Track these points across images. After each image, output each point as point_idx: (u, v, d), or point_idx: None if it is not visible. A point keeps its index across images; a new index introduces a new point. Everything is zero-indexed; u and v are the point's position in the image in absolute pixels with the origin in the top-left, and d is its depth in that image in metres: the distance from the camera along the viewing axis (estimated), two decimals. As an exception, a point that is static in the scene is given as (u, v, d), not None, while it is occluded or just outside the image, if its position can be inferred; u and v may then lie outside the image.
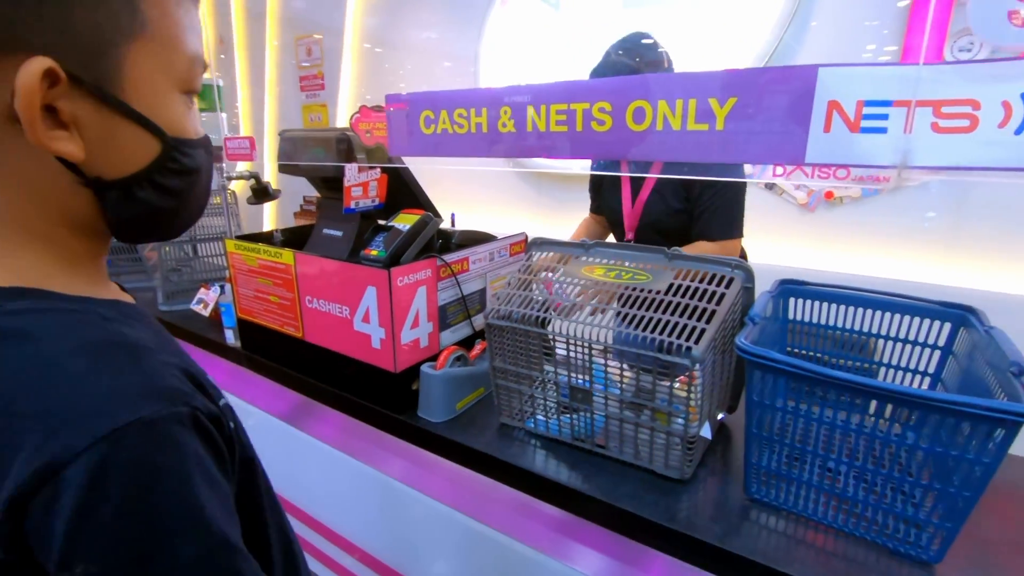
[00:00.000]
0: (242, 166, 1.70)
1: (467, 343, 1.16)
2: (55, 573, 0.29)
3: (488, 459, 0.96)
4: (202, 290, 1.62)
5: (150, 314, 0.48)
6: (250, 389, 1.55)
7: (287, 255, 1.14)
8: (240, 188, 2.12)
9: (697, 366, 0.74)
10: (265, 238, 1.35)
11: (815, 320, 0.99)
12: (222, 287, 1.53)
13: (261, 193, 1.40)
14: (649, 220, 1.43)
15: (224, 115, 1.51)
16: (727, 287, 0.85)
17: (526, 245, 1.35)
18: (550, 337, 0.89)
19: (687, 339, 0.76)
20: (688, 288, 0.85)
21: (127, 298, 0.46)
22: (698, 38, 1.87)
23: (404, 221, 1.06)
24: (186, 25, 0.40)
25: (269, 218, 3.55)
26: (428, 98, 0.83)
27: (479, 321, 1.22)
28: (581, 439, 0.93)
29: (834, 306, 0.97)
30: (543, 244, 1.04)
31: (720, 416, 0.98)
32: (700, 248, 1.35)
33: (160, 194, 0.40)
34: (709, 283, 0.86)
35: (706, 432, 0.83)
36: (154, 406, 0.32)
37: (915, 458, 0.71)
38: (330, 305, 1.09)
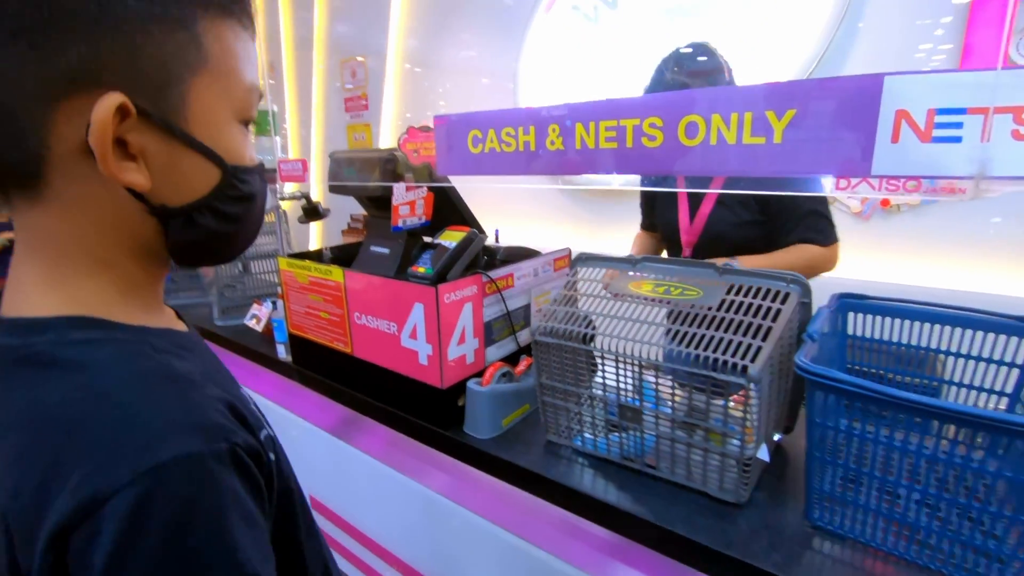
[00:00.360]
0: (291, 186, 1.77)
1: (512, 359, 1.16)
2: None
3: (534, 477, 0.95)
4: (255, 306, 1.69)
5: (201, 341, 0.49)
6: (300, 402, 1.60)
7: (336, 272, 1.18)
8: (289, 207, 2.21)
9: (753, 386, 0.72)
10: (315, 256, 1.39)
11: (876, 336, 0.94)
12: (274, 303, 1.59)
13: (311, 212, 1.45)
14: (712, 234, 1.37)
15: (278, 138, 1.58)
16: (783, 303, 0.82)
17: (570, 260, 1.35)
18: (598, 354, 0.88)
19: (742, 357, 0.73)
20: (742, 304, 0.82)
21: (180, 325, 0.48)
22: (742, 46, 1.84)
23: (450, 238, 1.08)
24: (243, 57, 0.41)
25: (316, 236, 3.66)
26: (475, 118, 0.85)
27: (524, 337, 1.22)
28: (630, 459, 0.91)
29: (896, 321, 0.92)
30: (588, 260, 1.04)
31: (777, 437, 0.94)
32: (809, 252, 1.26)
33: (220, 220, 0.42)
34: (763, 299, 0.83)
35: (763, 454, 0.80)
36: (195, 442, 0.33)
37: (994, 486, 0.67)
38: (378, 321, 1.12)
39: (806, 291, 0.85)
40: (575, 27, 2.47)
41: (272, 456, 0.42)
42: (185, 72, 0.37)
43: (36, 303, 0.37)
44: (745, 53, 1.81)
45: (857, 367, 0.97)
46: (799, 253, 1.27)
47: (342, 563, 1.59)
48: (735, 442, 0.77)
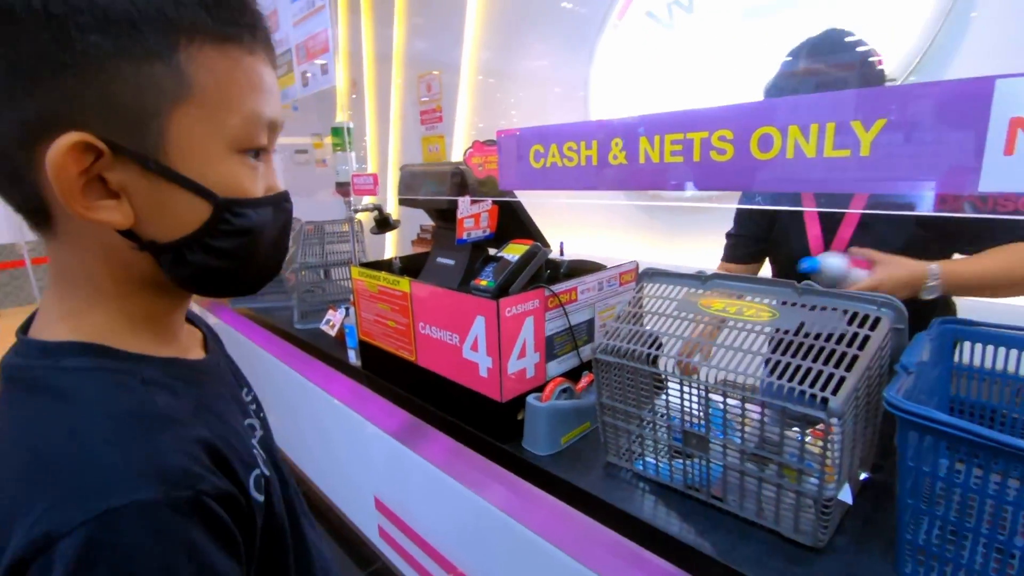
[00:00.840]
0: (367, 198, 1.85)
1: (574, 374, 1.14)
2: None
3: (592, 499, 0.92)
4: (330, 311, 1.77)
5: (216, 369, 0.48)
6: (369, 406, 1.65)
7: (404, 283, 1.21)
8: (366, 218, 2.32)
9: (835, 421, 0.65)
10: (386, 265, 1.44)
11: (988, 366, 0.83)
12: (347, 309, 1.66)
13: (383, 224, 1.51)
14: None
15: (352, 153, 1.66)
16: (872, 328, 0.74)
17: (636, 275, 1.30)
18: (663, 376, 0.84)
19: (823, 388, 0.67)
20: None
21: (197, 353, 0.48)
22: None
23: (513, 251, 1.08)
24: (244, 84, 0.38)
25: (391, 244, 3.81)
26: (538, 132, 0.84)
27: (587, 352, 1.20)
28: (695, 488, 0.86)
29: (1013, 351, 0.81)
30: (654, 275, 1.00)
31: (864, 476, 0.85)
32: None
33: (212, 256, 0.40)
34: (849, 323, 0.76)
35: (846, 495, 0.72)
36: (151, 489, 0.32)
37: None
38: (441, 332, 1.13)
39: (900, 316, 0.76)
40: (649, 33, 2.41)
41: (260, 497, 0.41)
42: (163, 104, 0.35)
43: (52, 329, 0.39)
44: None
45: (964, 402, 0.86)
46: (1015, 252, 0.97)
47: (398, 562, 1.62)
48: (813, 480, 0.71)
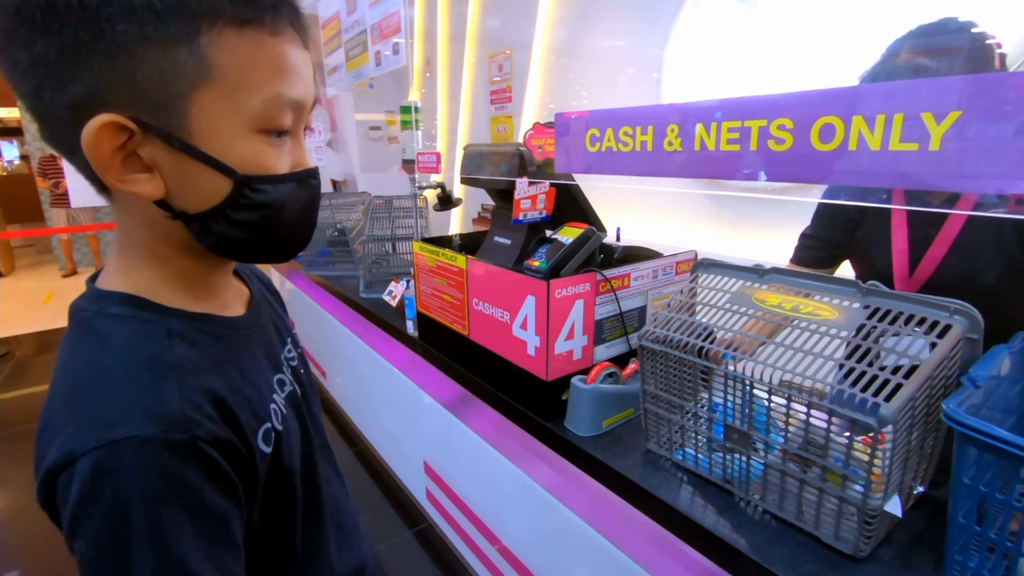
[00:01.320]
0: (434, 176, 1.91)
1: (622, 360, 1.14)
2: (66, 538, 0.36)
3: (630, 484, 0.93)
4: (392, 283, 1.86)
5: (251, 326, 0.52)
6: (423, 375, 1.73)
7: (460, 259, 1.25)
8: (431, 195, 2.39)
9: (887, 428, 0.62)
10: (446, 242, 1.49)
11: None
12: (408, 282, 1.73)
13: (445, 201, 1.56)
14: (947, 289, 0.85)
15: (419, 132, 1.71)
16: (940, 336, 0.70)
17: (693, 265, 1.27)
18: (707, 368, 0.83)
19: (876, 394, 0.64)
20: (885, 332, 0.72)
21: (235, 311, 0.51)
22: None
23: (567, 234, 1.08)
24: (265, 66, 0.40)
25: (457, 221, 3.89)
26: (593, 116, 0.84)
27: (636, 339, 1.19)
28: (733, 483, 0.85)
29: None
30: (710, 266, 0.97)
31: (919, 490, 0.81)
32: None
33: (234, 227, 0.43)
34: (917, 327, 0.71)
35: (894, 507, 0.69)
36: (150, 428, 0.36)
37: None
38: (493, 309, 1.17)
39: (975, 325, 0.71)
40: (729, 13, 2.29)
41: (266, 449, 0.45)
42: (185, 86, 0.38)
43: (110, 280, 0.44)
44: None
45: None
46: None
47: (443, 525, 1.71)
48: (857, 488, 0.68)
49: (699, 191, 2.35)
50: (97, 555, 0.35)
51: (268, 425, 0.47)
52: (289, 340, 0.61)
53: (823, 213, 1.24)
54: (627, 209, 2.58)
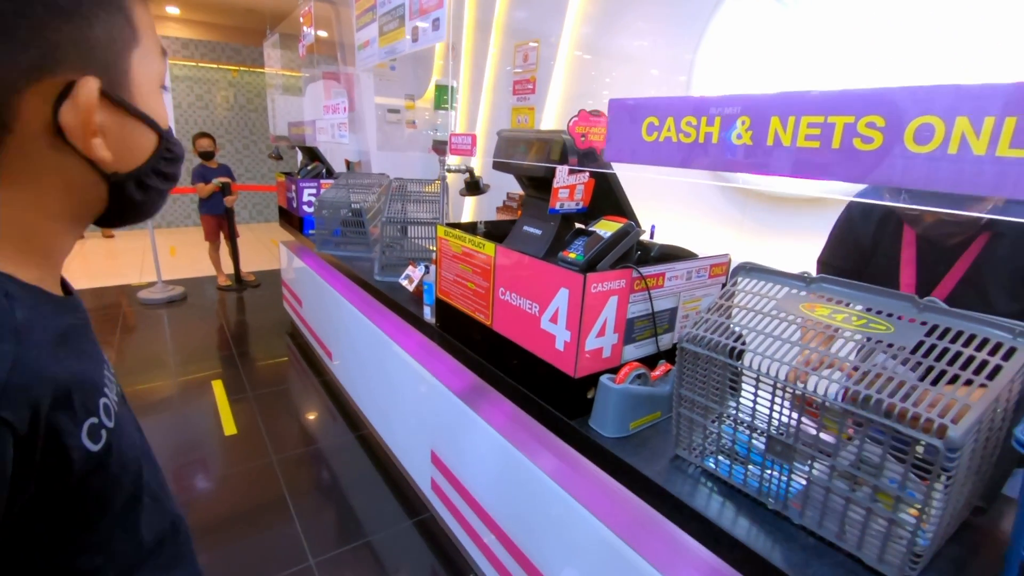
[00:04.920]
0: (452, 160, 1.86)
1: (650, 362, 1.11)
2: None
3: (657, 489, 0.90)
4: (410, 267, 1.82)
5: (76, 308, 0.45)
6: (436, 363, 1.70)
7: (489, 246, 1.21)
8: (452, 179, 2.35)
9: (950, 452, 0.59)
10: (470, 228, 1.46)
11: None
12: (427, 267, 1.70)
13: (472, 187, 1.52)
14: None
15: (453, 112, 1.67)
16: (1005, 358, 0.67)
17: (728, 268, 1.24)
18: (751, 375, 0.80)
19: (941, 415, 0.61)
20: (946, 351, 0.68)
21: (69, 297, 0.46)
22: (999, 32, 1.48)
23: (606, 228, 1.05)
24: (154, 30, 0.45)
25: (470, 209, 3.85)
26: (654, 104, 0.80)
27: (665, 341, 1.16)
28: (769, 496, 0.82)
29: None
30: (752, 271, 0.94)
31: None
32: None
33: (162, 179, 0.46)
34: (977, 349, 0.68)
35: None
36: None
37: None
38: (521, 300, 1.13)
39: (1043, 349, 0.68)
40: (765, 15, 2.24)
41: (93, 447, 0.40)
42: (124, 49, 0.40)
43: None
44: (1000, 43, 1.46)
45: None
46: None
47: (446, 516, 1.68)
48: (911, 511, 0.65)
49: (726, 184, 2.31)
50: None
51: (95, 420, 0.41)
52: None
53: (836, 241, 1.24)
54: (647, 209, 2.55)
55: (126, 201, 0.44)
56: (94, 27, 0.38)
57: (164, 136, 0.45)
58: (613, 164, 1.14)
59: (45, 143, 0.38)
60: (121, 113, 0.41)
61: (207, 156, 4.30)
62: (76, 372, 0.40)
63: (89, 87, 0.37)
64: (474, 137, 1.44)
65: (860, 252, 1.18)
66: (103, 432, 0.41)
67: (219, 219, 4.41)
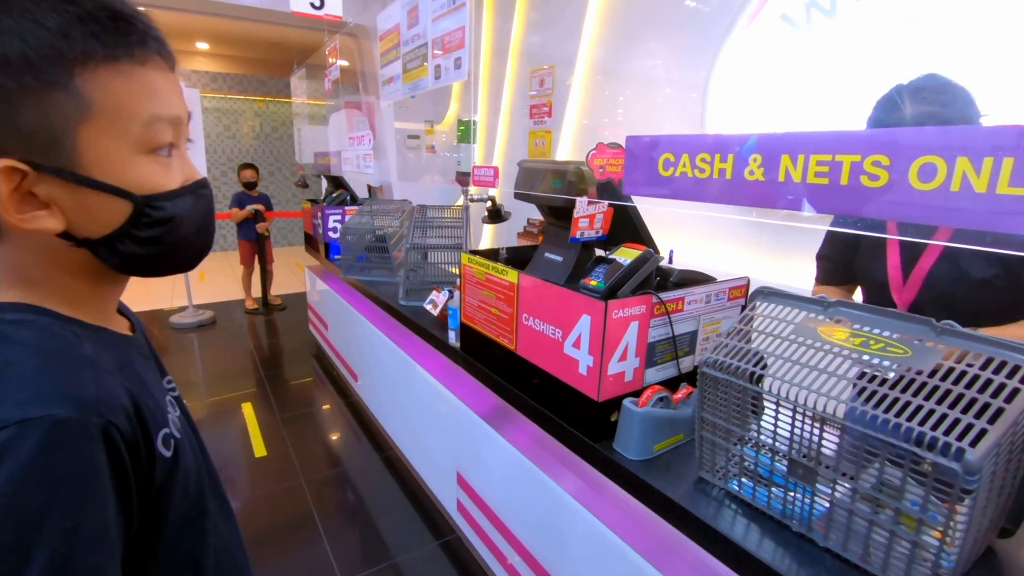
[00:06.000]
0: (472, 188, 1.92)
1: (671, 384, 1.13)
2: None
3: (681, 511, 0.92)
4: (434, 292, 1.88)
5: (140, 345, 0.52)
6: (461, 386, 1.74)
7: (512, 273, 1.26)
8: (474, 207, 2.41)
9: (969, 475, 0.61)
10: (492, 254, 1.51)
11: None
12: (451, 292, 1.75)
13: (495, 215, 1.57)
14: (934, 295, 1.12)
15: (475, 146, 1.73)
16: (1023, 381, 0.68)
17: (748, 293, 1.26)
18: (772, 399, 0.82)
19: (959, 438, 0.63)
20: (963, 374, 0.70)
21: (125, 331, 0.52)
22: (1008, 64, 1.51)
23: (625, 255, 1.09)
24: (140, 94, 0.43)
25: (489, 234, 3.92)
26: (669, 141, 0.84)
27: (686, 363, 1.18)
28: (793, 518, 0.84)
29: None
30: (770, 295, 0.96)
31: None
32: None
33: (140, 245, 0.45)
34: (994, 372, 0.70)
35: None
36: (66, 409, 0.37)
37: None
38: (544, 325, 1.17)
39: (1061, 373, 0.69)
40: (782, 38, 2.28)
41: (166, 452, 0.45)
42: (68, 125, 0.40)
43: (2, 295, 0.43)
44: (1012, 75, 1.48)
45: None
46: None
47: (472, 537, 1.70)
48: (934, 533, 0.66)
49: (741, 217, 2.33)
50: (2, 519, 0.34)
51: (167, 430, 0.47)
52: (167, 376, 0.60)
53: (829, 237, 1.37)
54: (666, 232, 2.57)
55: (111, 263, 0.46)
56: (18, 113, 0.38)
57: (140, 203, 0.44)
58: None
59: None
60: (70, 185, 0.41)
61: (250, 186, 4.51)
62: (141, 392, 0.45)
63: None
64: (496, 170, 1.49)
65: (847, 241, 1.30)
66: (172, 441, 0.47)
67: (253, 244, 4.57)
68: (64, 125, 0.40)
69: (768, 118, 2.30)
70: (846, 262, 1.31)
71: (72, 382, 0.39)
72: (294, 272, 6.40)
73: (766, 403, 0.85)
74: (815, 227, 1.87)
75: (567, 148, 3.41)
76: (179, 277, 5.23)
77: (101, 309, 0.50)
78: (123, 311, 0.59)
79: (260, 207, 4.45)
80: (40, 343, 0.41)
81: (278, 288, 5.35)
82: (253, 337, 4.21)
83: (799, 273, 2.17)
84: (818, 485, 0.79)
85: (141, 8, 0.44)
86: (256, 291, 4.84)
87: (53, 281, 0.45)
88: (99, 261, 0.45)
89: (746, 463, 0.92)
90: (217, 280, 5.87)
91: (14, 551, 0.34)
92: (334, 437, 2.73)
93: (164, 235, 0.46)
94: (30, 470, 0.35)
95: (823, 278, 1.36)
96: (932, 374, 0.72)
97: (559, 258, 1.32)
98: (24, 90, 0.38)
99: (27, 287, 0.44)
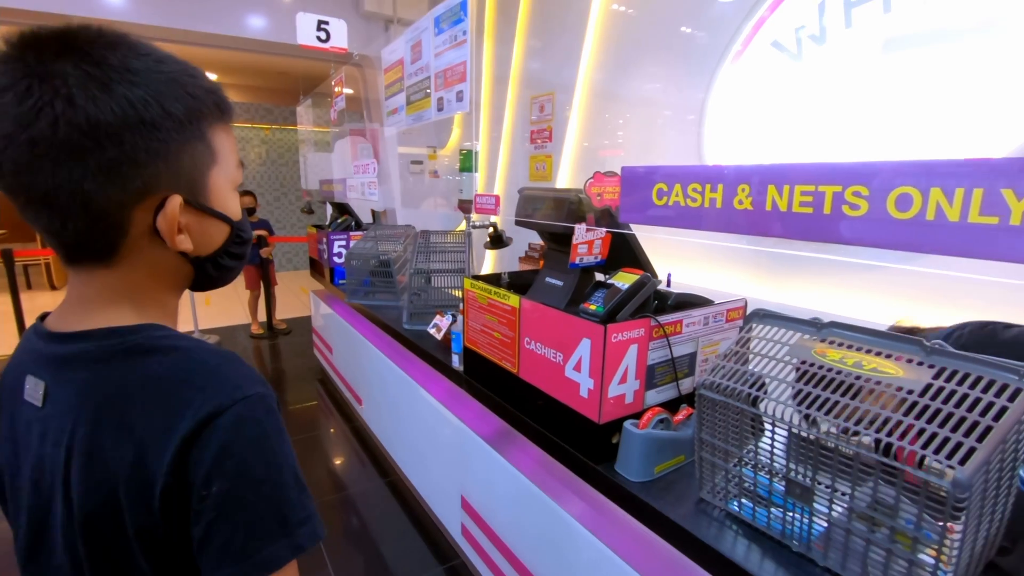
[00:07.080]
0: (476, 216, 1.97)
1: (672, 406, 1.15)
2: (199, 489, 0.45)
3: (683, 533, 0.93)
4: (437, 316, 1.90)
5: None
6: (464, 409, 1.76)
7: (513, 298, 1.29)
8: (476, 233, 2.45)
9: (958, 493, 0.63)
10: (494, 279, 1.54)
11: None
12: (454, 316, 1.78)
13: (496, 240, 1.61)
14: None
15: (477, 175, 1.78)
16: (1011, 399, 0.70)
17: (744, 313, 1.29)
18: (767, 420, 0.84)
19: (948, 456, 0.64)
20: (953, 393, 0.72)
21: None
22: (982, 89, 1.55)
23: (624, 280, 1.12)
24: (232, 146, 0.57)
25: (491, 258, 3.97)
26: (662, 171, 0.88)
27: (686, 385, 1.20)
28: (793, 538, 0.85)
29: None
30: (765, 316, 0.99)
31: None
32: None
33: (233, 259, 0.59)
34: (983, 391, 0.72)
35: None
36: (261, 388, 0.50)
37: None
38: (545, 349, 1.20)
39: (1047, 391, 0.71)
40: (775, 65, 2.35)
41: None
42: (205, 168, 0.52)
43: (111, 318, 0.51)
44: (980, 101, 1.53)
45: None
46: None
47: (477, 562, 1.70)
48: (929, 551, 0.68)
49: (732, 244, 2.36)
50: (240, 481, 0.46)
51: None
52: None
53: None
54: (664, 255, 2.61)
55: (206, 275, 0.58)
56: (181, 159, 0.50)
57: (235, 226, 0.58)
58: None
59: (147, 240, 0.51)
60: (200, 214, 0.53)
61: (249, 212, 4.58)
62: None
63: (175, 202, 0.49)
64: (498, 198, 1.54)
65: None
66: None
67: (258, 268, 4.63)
68: (203, 168, 0.52)
69: (763, 141, 2.34)
70: None
71: (248, 370, 0.52)
72: (299, 296, 6.45)
73: (763, 423, 0.87)
74: (804, 254, 1.89)
75: (567, 171, 3.47)
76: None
77: (175, 321, 0.61)
78: None
79: (264, 232, 4.52)
80: (201, 347, 0.52)
81: (283, 312, 5.39)
82: (258, 361, 4.23)
83: (797, 293, 2.19)
84: (816, 505, 0.80)
85: (157, 43, 0.52)
86: (262, 315, 4.88)
87: (155, 299, 0.55)
88: (188, 279, 0.57)
89: (745, 483, 0.93)
90: (223, 304, 5.91)
91: (272, 467, 0.48)
92: (338, 461, 2.73)
93: (245, 252, 0.61)
94: (260, 429, 0.48)
95: None
96: (923, 393, 0.74)
97: (559, 283, 1.35)
98: (184, 142, 0.50)
99: (137, 307, 0.53)
